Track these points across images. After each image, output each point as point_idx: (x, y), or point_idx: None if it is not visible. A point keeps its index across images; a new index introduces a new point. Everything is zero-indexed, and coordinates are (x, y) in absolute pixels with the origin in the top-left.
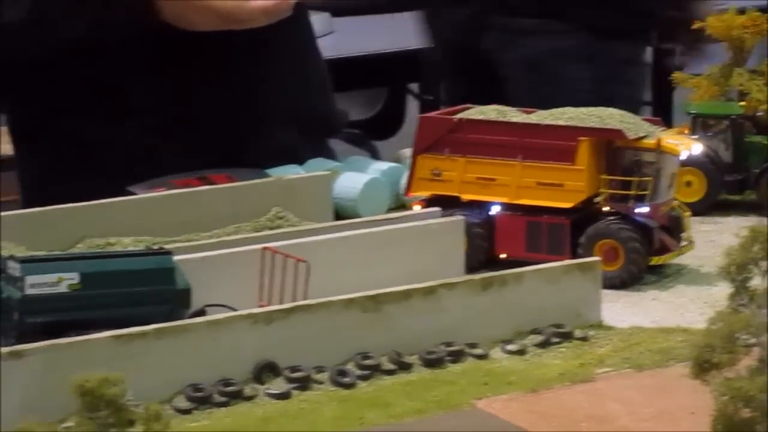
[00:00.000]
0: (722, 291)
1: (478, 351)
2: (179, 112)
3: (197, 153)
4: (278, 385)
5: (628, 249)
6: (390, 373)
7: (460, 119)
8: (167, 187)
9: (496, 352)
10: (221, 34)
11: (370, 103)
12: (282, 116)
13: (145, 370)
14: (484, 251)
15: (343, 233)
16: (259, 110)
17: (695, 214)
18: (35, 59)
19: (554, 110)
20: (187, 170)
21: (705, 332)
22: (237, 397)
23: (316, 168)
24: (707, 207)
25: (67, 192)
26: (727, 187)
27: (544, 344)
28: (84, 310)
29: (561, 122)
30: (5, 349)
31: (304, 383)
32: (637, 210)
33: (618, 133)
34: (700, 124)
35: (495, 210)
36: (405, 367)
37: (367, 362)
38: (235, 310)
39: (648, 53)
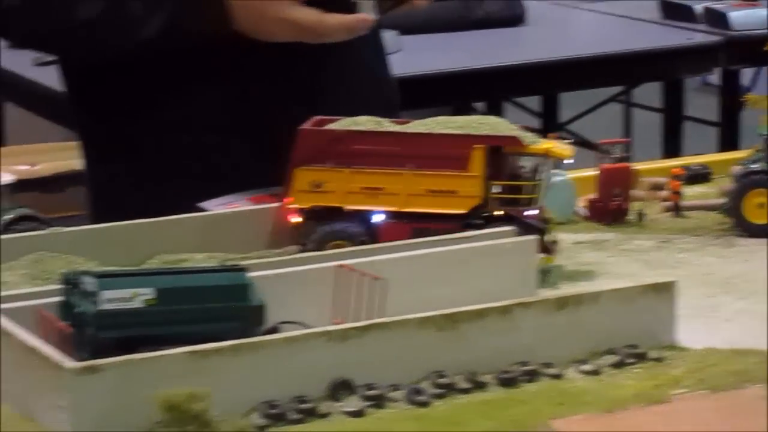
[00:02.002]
0: None
1: (552, 371)
2: (247, 124)
3: (262, 167)
4: (353, 403)
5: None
6: (465, 391)
7: (348, 131)
8: (239, 204)
9: (571, 372)
10: (291, 45)
11: None
12: None
13: (220, 386)
14: None
15: (418, 251)
16: None
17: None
18: (109, 59)
19: (428, 120)
20: (252, 184)
21: None
22: (311, 414)
23: None
24: None
25: (136, 203)
26: None
27: (618, 365)
28: (158, 326)
29: (451, 131)
30: (81, 364)
31: (378, 401)
32: (526, 213)
33: (513, 140)
34: None
35: (378, 218)
36: (480, 386)
37: (442, 381)
38: (310, 327)
39: (716, 75)
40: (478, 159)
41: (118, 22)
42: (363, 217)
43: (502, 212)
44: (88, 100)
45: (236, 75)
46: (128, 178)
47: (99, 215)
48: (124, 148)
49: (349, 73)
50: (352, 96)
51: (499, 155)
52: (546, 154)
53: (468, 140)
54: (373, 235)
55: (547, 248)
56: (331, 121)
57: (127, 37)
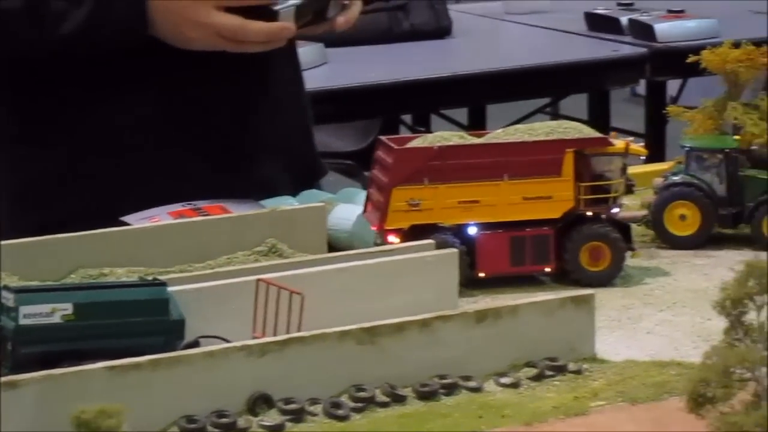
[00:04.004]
0: (717, 325)
1: (472, 384)
2: (169, 134)
3: (186, 180)
4: (272, 417)
5: (615, 248)
6: (384, 405)
7: (441, 147)
8: (161, 218)
9: (490, 385)
10: (217, 57)
11: (363, 133)
12: (268, 149)
13: (140, 401)
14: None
15: (337, 265)
16: (247, 141)
17: (689, 247)
18: (26, 53)
19: (510, 129)
20: (176, 198)
21: (700, 366)
22: (231, 429)
23: (310, 199)
24: (701, 241)
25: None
26: (722, 221)
27: (538, 377)
28: (78, 341)
29: (541, 137)
30: (0, 380)
31: (298, 415)
32: (613, 211)
33: (604, 141)
34: (694, 158)
35: (473, 231)
36: (399, 399)
37: (361, 394)
38: (229, 341)
39: (640, 86)
40: (569, 162)
41: (38, 16)
42: (459, 231)
43: (591, 213)
44: (8, 100)
45: (156, 83)
46: (46, 179)
47: (12, 214)
48: (42, 151)
49: (269, 84)
50: (272, 105)
51: (583, 158)
52: (626, 152)
53: (561, 144)
54: (471, 248)
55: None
56: (410, 139)
57: (46, 32)
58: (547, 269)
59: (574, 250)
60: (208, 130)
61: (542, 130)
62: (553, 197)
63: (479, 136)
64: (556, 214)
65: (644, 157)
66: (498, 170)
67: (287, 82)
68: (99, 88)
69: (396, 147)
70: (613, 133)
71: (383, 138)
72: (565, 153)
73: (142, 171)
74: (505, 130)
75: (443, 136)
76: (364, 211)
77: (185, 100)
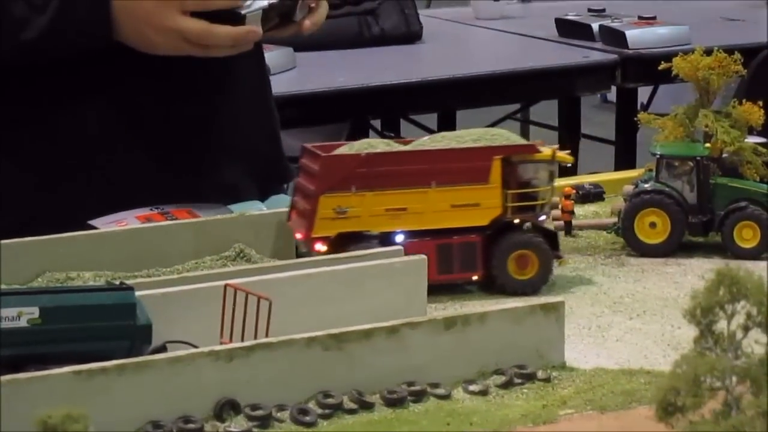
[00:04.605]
0: (686, 333)
1: (440, 391)
2: (132, 138)
3: (149, 184)
4: (239, 423)
5: (542, 256)
6: (351, 412)
7: (368, 154)
8: (128, 222)
9: (459, 393)
10: (182, 61)
11: (332, 138)
12: (232, 154)
13: (106, 406)
14: None
15: (305, 270)
16: (211, 145)
17: (659, 255)
18: None
19: (436, 136)
20: (141, 203)
21: (670, 375)
22: None
23: (278, 204)
24: (671, 248)
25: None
26: (692, 229)
27: (506, 385)
28: (44, 345)
29: (468, 144)
30: None
31: (264, 421)
32: (541, 218)
33: (532, 148)
34: (665, 165)
35: (400, 239)
36: (367, 406)
37: (329, 401)
38: (197, 347)
39: (612, 92)
40: (497, 170)
41: None
42: (386, 238)
43: (519, 220)
44: None
45: (120, 87)
46: (11, 183)
47: None
48: (7, 156)
49: (235, 88)
50: (236, 109)
51: (510, 165)
52: (553, 160)
53: (489, 152)
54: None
55: (559, 253)
56: (336, 146)
57: (6, 39)
58: (474, 277)
59: (501, 258)
60: (170, 134)
61: (470, 137)
62: (481, 205)
63: (406, 143)
64: (483, 222)
65: (569, 164)
66: (426, 177)
67: (253, 86)
68: (62, 93)
69: (323, 154)
70: (539, 141)
71: (308, 146)
72: (493, 160)
73: (107, 175)
74: (431, 137)
75: (370, 143)
76: (289, 219)
77: (147, 104)
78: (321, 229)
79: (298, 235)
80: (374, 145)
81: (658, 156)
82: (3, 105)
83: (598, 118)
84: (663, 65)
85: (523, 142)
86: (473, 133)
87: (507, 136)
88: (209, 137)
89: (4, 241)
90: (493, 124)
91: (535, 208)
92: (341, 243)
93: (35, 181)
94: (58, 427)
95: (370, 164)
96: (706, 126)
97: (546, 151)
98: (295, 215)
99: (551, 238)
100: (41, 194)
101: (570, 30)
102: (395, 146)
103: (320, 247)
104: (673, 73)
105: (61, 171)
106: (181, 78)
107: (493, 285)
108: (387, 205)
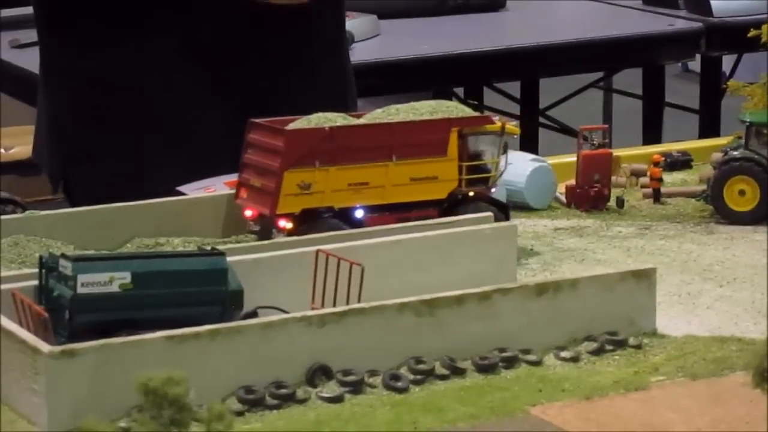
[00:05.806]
0: None
1: (531, 357)
2: (220, 103)
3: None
4: (331, 389)
5: None
6: (443, 378)
7: (332, 128)
8: (216, 188)
9: (550, 359)
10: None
11: None
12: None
13: (198, 371)
14: None
15: (397, 236)
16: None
17: (748, 223)
18: None
19: (389, 108)
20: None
21: (764, 341)
22: (289, 399)
23: None
24: (760, 216)
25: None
26: None
27: (597, 351)
28: (135, 310)
29: (425, 117)
30: (57, 348)
31: (357, 387)
32: (493, 190)
33: (487, 120)
34: (754, 133)
35: (360, 214)
36: (458, 372)
37: (421, 367)
38: (288, 312)
39: (697, 61)
40: (454, 142)
41: None
42: (346, 214)
43: (473, 193)
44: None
45: (215, 54)
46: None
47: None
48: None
49: (310, 53)
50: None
51: (461, 138)
52: (502, 132)
53: (447, 123)
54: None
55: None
56: (289, 121)
57: None
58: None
59: None
60: (255, 99)
61: (425, 109)
62: (439, 178)
63: (358, 117)
64: (442, 195)
65: (517, 136)
66: (387, 150)
67: (328, 52)
68: (158, 56)
69: (287, 129)
70: (491, 114)
71: (258, 120)
72: (451, 132)
73: (194, 139)
74: (385, 109)
75: (327, 116)
76: (236, 197)
77: (236, 69)
78: (285, 205)
79: (249, 212)
80: (331, 119)
81: (747, 123)
82: (87, 35)
83: (679, 87)
84: (752, 32)
85: (475, 114)
86: (427, 105)
87: (462, 108)
88: (287, 105)
89: (92, 207)
90: (576, 93)
91: (488, 180)
92: (305, 220)
93: (102, 111)
94: (158, 390)
95: (335, 138)
96: None
97: (496, 123)
98: (246, 192)
99: (503, 209)
100: (106, 124)
101: None
102: (352, 120)
103: (284, 224)
104: (763, 40)
105: (126, 104)
106: (266, 47)
107: None
108: (349, 180)
